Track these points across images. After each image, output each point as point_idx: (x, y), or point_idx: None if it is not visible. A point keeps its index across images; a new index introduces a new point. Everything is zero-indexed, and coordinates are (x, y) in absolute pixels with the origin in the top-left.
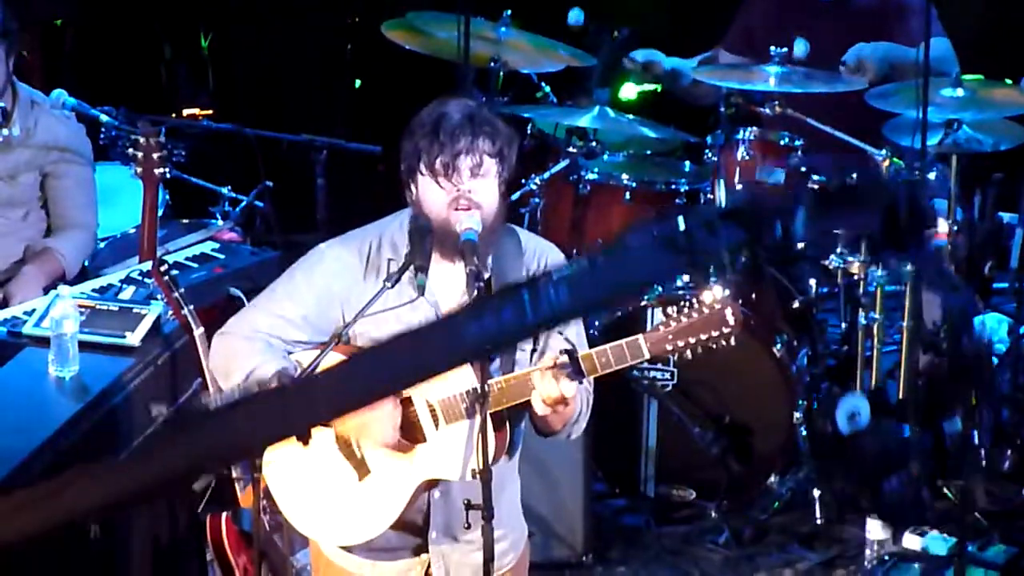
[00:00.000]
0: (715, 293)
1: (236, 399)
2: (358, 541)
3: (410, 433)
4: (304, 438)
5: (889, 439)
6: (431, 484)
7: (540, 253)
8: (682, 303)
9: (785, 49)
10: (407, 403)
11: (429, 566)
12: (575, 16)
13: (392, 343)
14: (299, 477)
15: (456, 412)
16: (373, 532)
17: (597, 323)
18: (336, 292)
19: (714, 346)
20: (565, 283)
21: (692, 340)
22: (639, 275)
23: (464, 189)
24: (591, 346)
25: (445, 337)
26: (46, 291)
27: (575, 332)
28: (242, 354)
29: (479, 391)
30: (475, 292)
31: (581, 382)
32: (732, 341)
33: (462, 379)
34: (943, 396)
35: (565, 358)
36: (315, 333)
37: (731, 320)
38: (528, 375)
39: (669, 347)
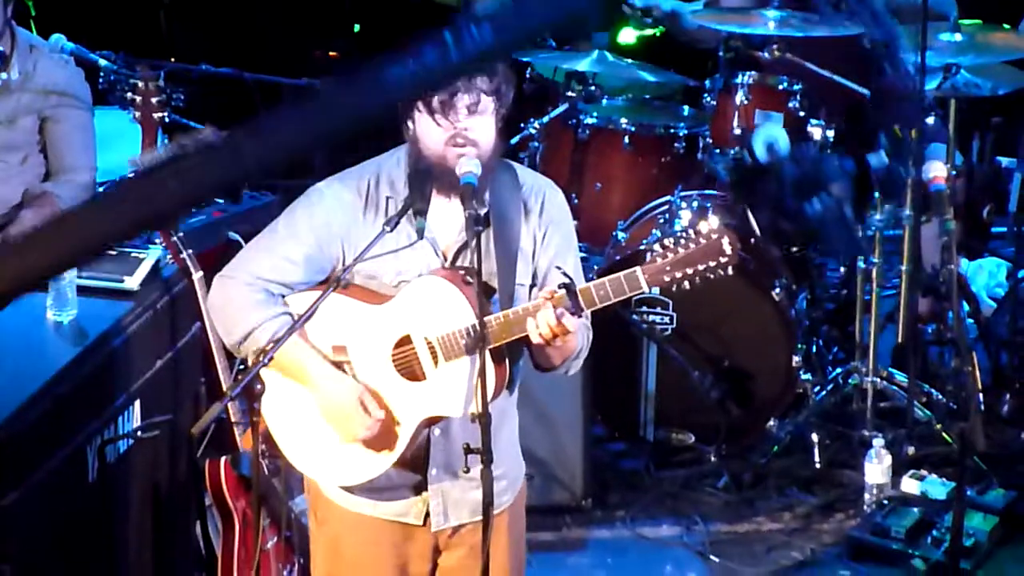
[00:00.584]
0: (711, 223)
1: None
2: (359, 481)
3: (409, 371)
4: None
5: (808, 164)
6: (431, 421)
7: (537, 188)
8: (679, 235)
9: None
10: (405, 341)
11: (428, 505)
12: None
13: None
14: (299, 418)
15: (455, 349)
16: (374, 471)
17: (595, 267)
18: (336, 230)
19: (711, 276)
20: (488, 21)
21: (690, 271)
22: (562, 9)
23: (461, 127)
24: None
25: (373, 84)
26: None
27: (572, 267)
28: (241, 308)
29: (475, 330)
30: (474, 235)
31: (580, 315)
32: (729, 271)
33: (461, 316)
34: (867, 128)
35: (563, 292)
36: (316, 272)
37: (728, 249)
38: (527, 309)
39: (667, 278)
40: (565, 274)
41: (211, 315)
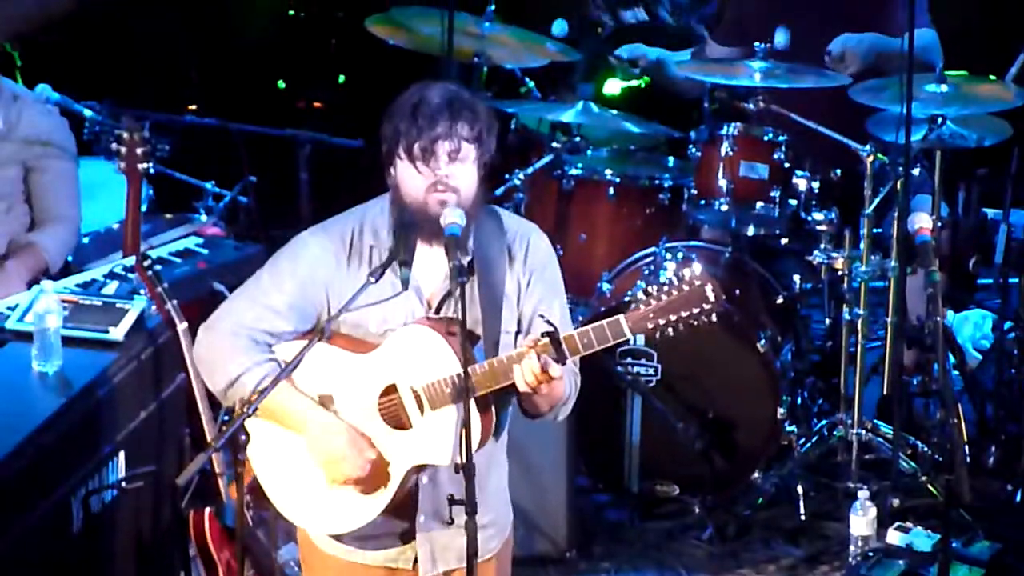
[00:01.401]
0: (694, 270)
1: None
2: (347, 529)
3: (395, 419)
4: None
5: None
6: (419, 470)
7: (522, 234)
8: (662, 282)
9: (769, 44)
10: (391, 390)
11: (417, 552)
12: (559, 27)
13: None
14: (287, 465)
15: (441, 398)
16: (362, 520)
17: (580, 318)
18: (320, 279)
19: (695, 323)
20: None
21: (673, 318)
22: None
23: (442, 174)
24: None
25: None
26: (29, 286)
27: (559, 313)
28: (227, 355)
29: (460, 381)
30: (458, 286)
31: (564, 363)
32: (713, 318)
33: (446, 365)
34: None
35: (547, 340)
36: (300, 321)
37: (711, 296)
38: (512, 357)
39: (650, 325)
40: (548, 322)
41: (197, 364)
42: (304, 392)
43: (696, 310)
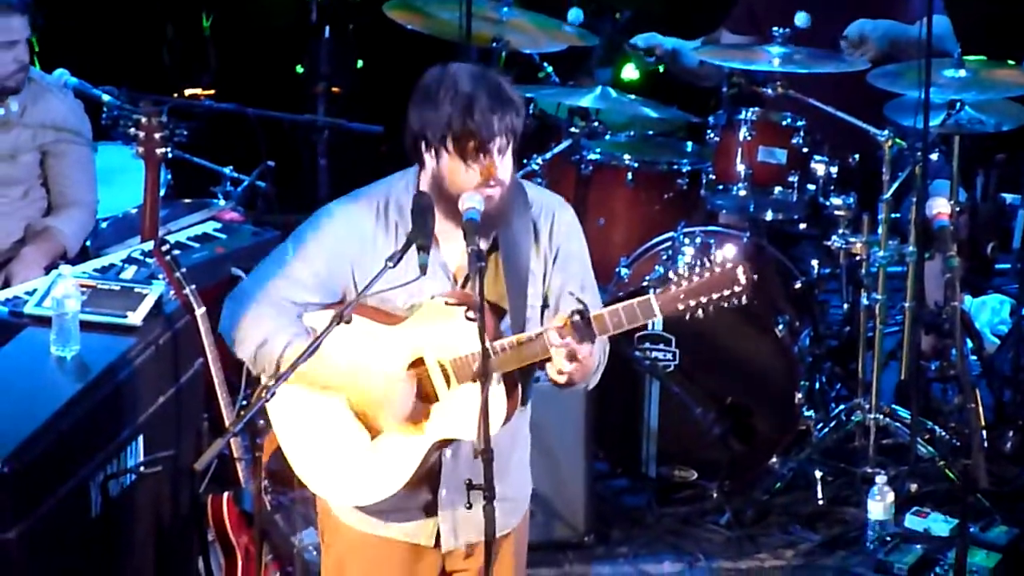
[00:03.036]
0: (726, 252)
1: None
2: (371, 501)
3: (423, 392)
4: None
5: None
6: (443, 444)
7: (547, 208)
8: (693, 264)
9: (787, 29)
10: (419, 363)
11: (439, 526)
12: (575, 15)
13: None
14: (311, 437)
15: (467, 372)
16: (386, 492)
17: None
18: (345, 251)
19: (725, 305)
20: None
21: (703, 299)
22: None
23: (495, 173)
24: None
25: None
26: (47, 271)
27: (586, 286)
28: (253, 320)
29: (482, 367)
30: (476, 271)
31: (593, 342)
32: (743, 300)
33: (473, 339)
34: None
35: (577, 318)
36: (325, 293)
37: (742, 279)
38: (540, 335)
39: (680, 306)
40: (580, 300)
41: (223, 335)
42: (332, 363)
43: (727, 292)
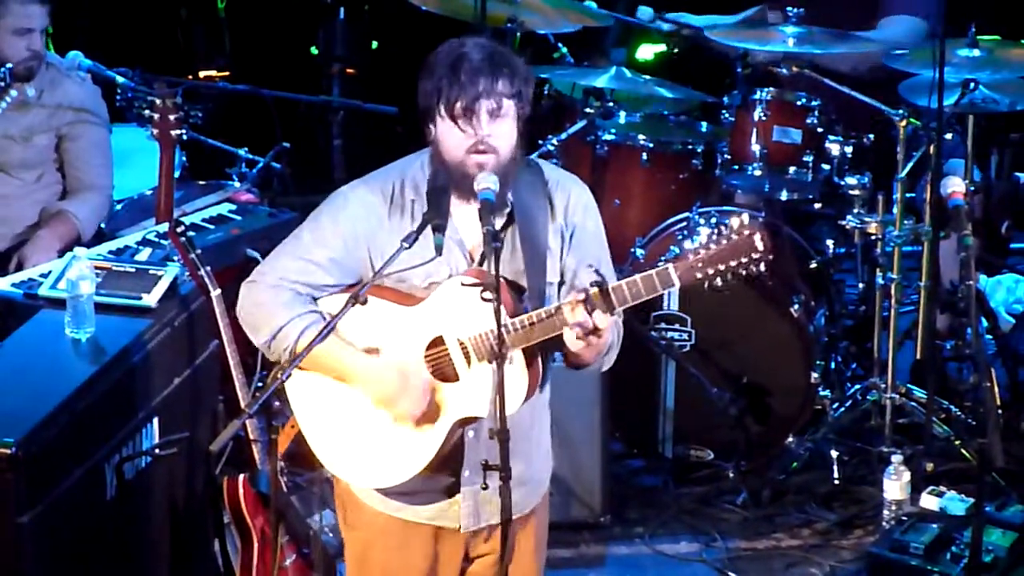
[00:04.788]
0: (743, 219)
1: None
2: (393, 483)
3: (442, 372)
4: None
5: None
6: (465, 423)
7: (563, 186)
8: (711, 231)
9: (802, 9)
10: (438, 342)
11: (460, 507)
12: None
13: None
14: (333, 420)
15: (487, 350)
16: (408, 473)
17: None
18: (361, 233)
19: (744, 272)
20: None
21: (722, 267)
22: None
23: (484, 133)
24: None
25: None
26: (61, 254)
27: (603, 264)
28: (269, 307)
29: (498, 349)
30: (492, 251)
31: (612, 314)
32: (762, 267)
33: (492, 317)
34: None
35: (596, 290)
36: (343, 275)
37: (760, 245)
38: (559, 308)
39: (699, 275)
40: (598, 272)
41: (240, 321)
42: (351, 343)
43: (744, 259)
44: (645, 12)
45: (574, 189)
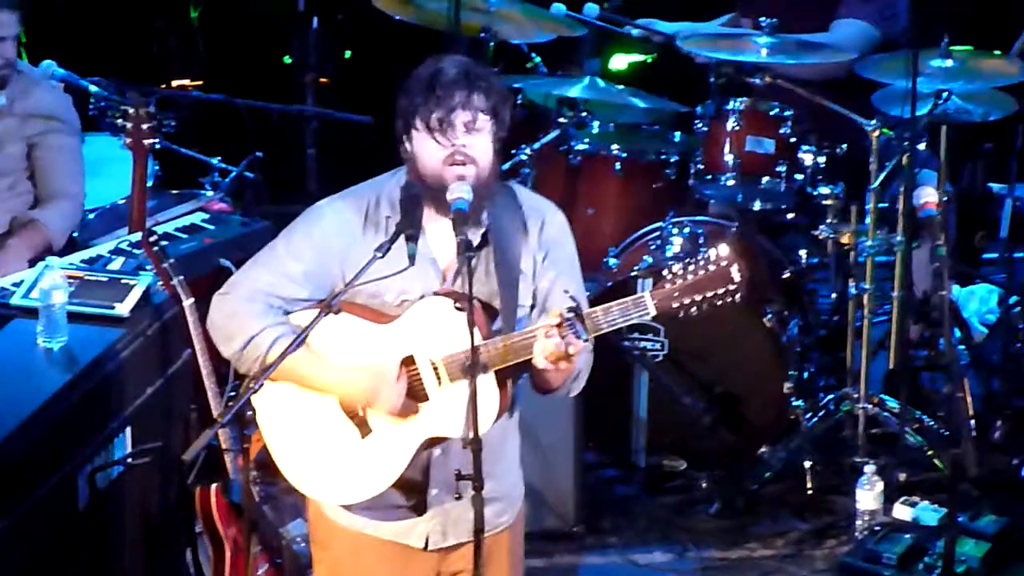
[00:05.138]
0: (720, 251)
1: None
2: (359, 499)
3: (413, 391)
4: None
5: None
6: (433, 442)
7: (538, 210)
8: (687, 260)
9: (775, 20)
10: (409, 361)
11: (429, 525)
12: (557, 9)
13: None
14: (300, 436)
15: (458, 370)
16: (375, 490)
17: (587, 293)
18: (336, 247)
19: (720, 303)
20: None
21: (698, 298)
22: None
23: (459, 144)
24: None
25: None
26: (32, 263)
27: (576, 290)
28: (241, 317)
29: (472, 357)
30: (465, 261)
31: (586, 340)
32: (737, 299)
33: (464, 337)
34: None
35: (571, 315)
36: (316, 290)
37: (736, 277)
38: (532, 333)
39: (675, 304)
40: (573, 298)
41: (210, 331)
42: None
43: (721, 291)
44: (591, 8)
45: (548, 212)
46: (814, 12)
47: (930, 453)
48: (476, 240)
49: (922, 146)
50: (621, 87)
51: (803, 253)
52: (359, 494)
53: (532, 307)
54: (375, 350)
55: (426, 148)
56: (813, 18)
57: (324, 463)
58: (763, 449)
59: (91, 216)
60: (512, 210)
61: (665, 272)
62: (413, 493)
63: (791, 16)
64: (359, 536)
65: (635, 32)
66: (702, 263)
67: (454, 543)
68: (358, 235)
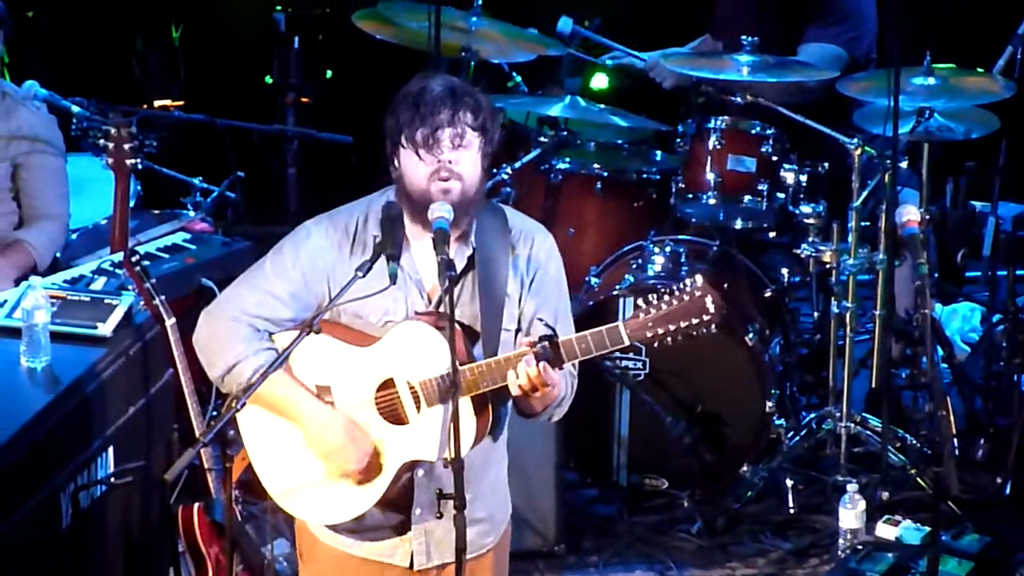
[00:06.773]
0: (696, 280)
1: None
2: (340, 520)
3: (392, 414)
4: None
5: None
6: (412, 466)
7: (526, 232)
8: (662, 290)
9: (756, 38)
10: (389, 384)
11: (412, 545)
12: (564, 24)
13: None
14: (284, 454)
15: (437, 394)
16: (355, 512)
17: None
18: (321, 267)
19: (694, 333)
20: None
21: (672, 327)
22: None
23: (445, 160)
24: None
25: None
26: (17, 283)
27: (562, 313)
28: (226, 342)
29: (451, 378)
30: (446, 280)
31: (561, 368)
32: (712, 329)
33: (445, 362)
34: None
35: (545, 343)
36: (301, 310)
37: (711, 308)
38: (508, 359)
39: (649, 334)
40: (548, 326)
41: (196, 351)
42: (302, 383)
43: (695, 320)
44: (565, 23)
45: (537, 236)
46: (779, 36)
47: (913, 472)
48: (462, 263)
49: (904, 164)
50: (602, 106)
51: (785, 272)
52: (340, 515)
53: (517, 331)
54: (355, 372)
55: (412, 165)
56: (778, 41)
57: (307, 482)
58: (745, 468)
59: (73, 236)
60: (500, 232)
61: (640, 302)
62: (396, 513)
63: (760, 39)
64: (343, 555)
65: (610, 63)
66: (677, 293)
67: (439, 563)
68: (345, 255)
